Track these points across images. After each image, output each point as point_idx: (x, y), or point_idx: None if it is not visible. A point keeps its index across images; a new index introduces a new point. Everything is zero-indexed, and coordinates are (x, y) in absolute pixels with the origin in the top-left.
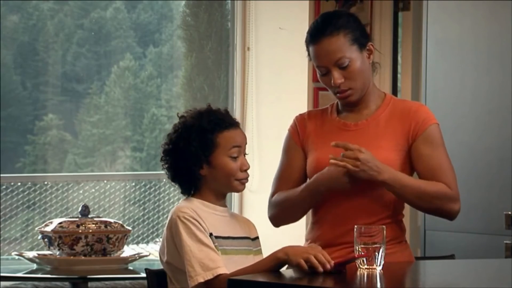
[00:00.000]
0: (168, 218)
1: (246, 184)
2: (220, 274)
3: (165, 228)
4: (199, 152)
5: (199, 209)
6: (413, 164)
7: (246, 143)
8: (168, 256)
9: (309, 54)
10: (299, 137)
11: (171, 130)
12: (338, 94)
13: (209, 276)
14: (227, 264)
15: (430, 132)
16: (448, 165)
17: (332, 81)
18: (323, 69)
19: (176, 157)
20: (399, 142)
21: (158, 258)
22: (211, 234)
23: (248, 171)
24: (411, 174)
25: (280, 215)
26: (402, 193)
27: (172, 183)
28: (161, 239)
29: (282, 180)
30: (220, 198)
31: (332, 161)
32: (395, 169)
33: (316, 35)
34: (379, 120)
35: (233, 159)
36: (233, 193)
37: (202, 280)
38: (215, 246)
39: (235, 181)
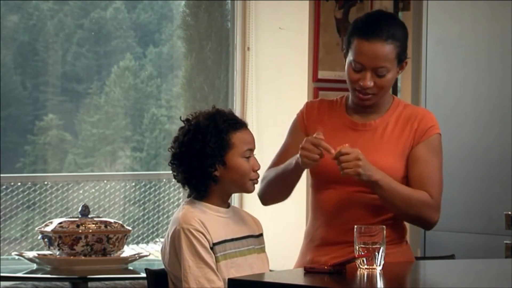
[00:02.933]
0: (172, 226)
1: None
2: None
3: (167, 234)
4: (215, 152)
5: (203, 213)
6: (408, 166)
7: (255, 143)
8: (169, 264)
9: (349, 43)
10: (304, 123)
11: (179, 134)
12: (357, 93)
13: None
14: (230, 268)
15: (432, 140)
16: (438, 176)
17: (361, 81)
18: (359, 65)
19: (191, 159)
20: (403, 147)
21: (158, 258)
22: (213, 245)
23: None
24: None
25: (266, 188)
26: (388, 196)
27: (185, 187)
28: (161, 239)
29: (279, 160)
30: (225, 200)
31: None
32: (398, 174)
33: (372, 32)
34: (387, 124)
35: (246, 159)
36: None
37: None
38: (217, 257)
39: (249, 181)
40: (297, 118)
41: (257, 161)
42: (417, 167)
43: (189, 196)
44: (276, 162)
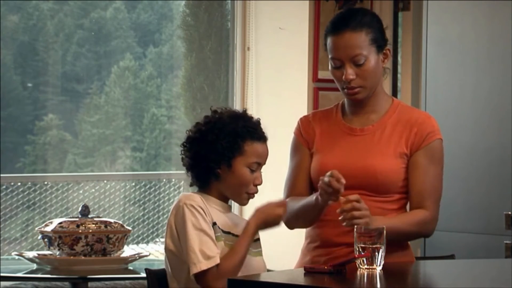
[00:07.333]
0: (174, 204)
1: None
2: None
3: (169, 214)
4: (224, 152)
5: (203, 201)
6: (408, 172)
7: (266, 160)
8: (169, 242)
9: (325, 44)
10: (303, 138)
11: (202, 120)
12: (346, 90)
13: (211, 264)
14: None
15: (433, 146)
16: (437, 185)
17: (344, 76)
18: (337, 62)
19: (199, 148)
20: (402, 150)
21: (158, 258)
22: (214, 223)
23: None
24: None
25: (291, 220)
26: (390, 235)
27: (187, 173)
28: (161, 239)
29: (292, 183)
30: (224, 199)
31: (343, 223)
32: (398, 176)
33: (339, 26)
34: (385, 126)
35: (251, 171)
36: None
37: (205, 268)
38: (217, 236)
39: (245, 193)
40: (295, 136)
41: (261, 177)
42: (416, 175)
43: (191, 185)
44: (291, 187)
